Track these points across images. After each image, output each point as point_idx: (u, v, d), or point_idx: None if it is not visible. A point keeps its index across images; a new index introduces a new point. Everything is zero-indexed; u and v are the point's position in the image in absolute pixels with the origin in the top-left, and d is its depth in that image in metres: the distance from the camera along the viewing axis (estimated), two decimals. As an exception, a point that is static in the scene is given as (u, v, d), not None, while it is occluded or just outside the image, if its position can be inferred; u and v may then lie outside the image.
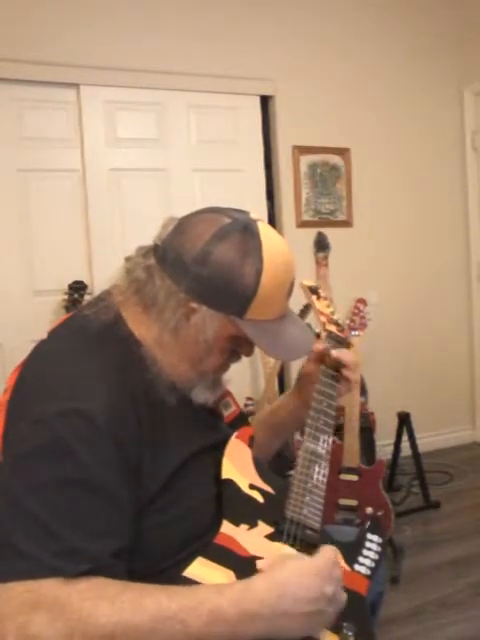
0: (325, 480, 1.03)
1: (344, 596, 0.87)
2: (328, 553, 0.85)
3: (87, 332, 0.94)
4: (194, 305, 0.91)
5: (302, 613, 0.80)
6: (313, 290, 1.28)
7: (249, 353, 1.02)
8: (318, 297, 1.27)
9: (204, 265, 0.89)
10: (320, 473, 1.03)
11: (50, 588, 0.75)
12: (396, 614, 2.07)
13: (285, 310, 0.99)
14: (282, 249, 0.96)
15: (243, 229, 0.92)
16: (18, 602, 0.74)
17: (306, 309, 2.63)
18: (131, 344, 0.94)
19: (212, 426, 1.07)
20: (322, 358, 1.17)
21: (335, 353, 1.14)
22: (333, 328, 1.21)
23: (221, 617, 0.77)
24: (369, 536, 1.05)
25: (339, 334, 1.20)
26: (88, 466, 0.81)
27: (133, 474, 0.86)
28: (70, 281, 2.79)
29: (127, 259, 1.00)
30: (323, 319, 1.22)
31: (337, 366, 1.16)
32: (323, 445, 1.06)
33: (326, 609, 0.83)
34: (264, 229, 0.95)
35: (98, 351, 0.92)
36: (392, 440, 2.97)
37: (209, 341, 0.94)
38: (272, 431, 1.26)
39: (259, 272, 0.90)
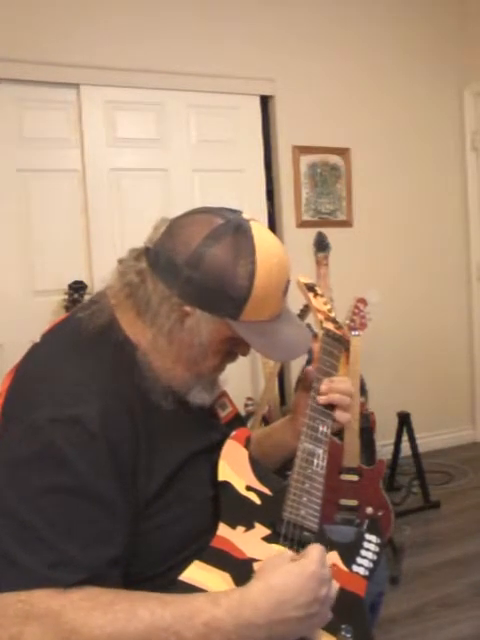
0: (322, 481, 1.02)
1: (334, 593, 0.86)
2: (317, 553, 0.84)
3: (81, 335, 0.93)
4: (188, 309, 0.90)
5: (298, 617, 0.80)
6: (310, 287, 1.26)
7: (246, 353, 1.01)
8: (315, 294, 1.25)
9: (196, 268, 0.88)
10: (318, 474, 1.03)
11: (43, 599, 0.74)
12: (396, 614, 2.07)
13: (281, 310, 0.97)
14: (276, 249, 0.94)
15: (235, 230, 0.90)
16: (11, 613, 0.74)
17: (306, 309, 2.63)
18: (126, 348, 0.94)
19: (209, 427, 1.06)
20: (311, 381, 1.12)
21: (323, 399, 1.08)
22: (330, 326, 1.19)
23: (217, 628, 0.76)
24: (367, 537, 1.04)
25: (336, 332, 1.18)
26: (82, 473, 0.80)
27: (129, 479, 0.86)
28: (70, 281, 2.79)
29: (120, 261, 0.99)
30: (320, 316, 1.21)
31: (332, 368, 1.14)
32: (320, 446, 1.05)
33: (320, 610, 0.82)
34: (257, 229, 0.93)
35: (92, 355, 0.91)
36: (392, 440, 2.97)
37: (204, 344, 0.93)
38: (265, 454, 1.20)
39: (252, 273, 0.89)
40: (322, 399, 1.07)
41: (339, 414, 1.08)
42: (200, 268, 0.88)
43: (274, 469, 1.21)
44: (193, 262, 0.88)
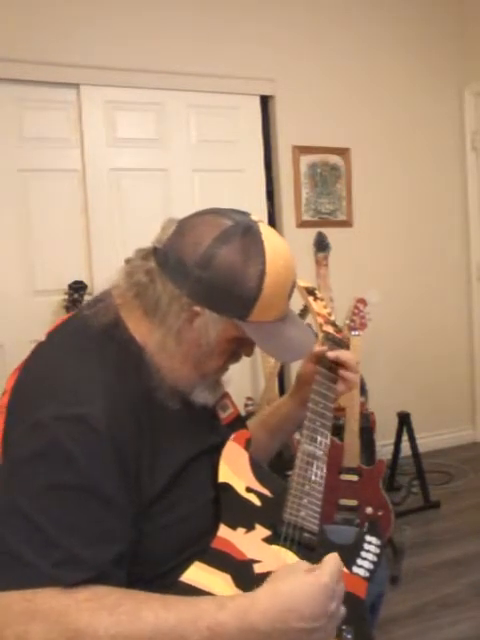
0: (323, 482, 1.03)
1: (343, 612, 0.83)
2: (333, 566, 0.81)
3: (86, 334, 0.93)
4: (197, 309, 0.91)
5: (302, 630, 0.77)
6: (310, 291, 1.27)
7: (250, 354, 1.02)
8: (315, 298, 1.26)
9: (207, 268, 0.89)
10: (318, 475, 1.03)
11: (48, 598, 0.74)
12: (396, 614, 2.07)
13: (286, 311, 0.99)
14: (283, 251, 0.95)
15: (245, 231, 0.91)
16: (16, 611, 0.73)
17: (305, 310, 2.63)
18: (131, 347, 0.94)
19: (211, 428, 1.06)
20: (319, 358, 1.17)
21: (333, 354, 1.15)
22: (330, 329, 1.21)
23: (221, 632, 0.75)
24: (368, 538, 1.05)
25: (336, 335, 1.20)
26: (87, 472, 0.80)
27: (132, 478, 0.86)
28: (70, 281, 2.79)
29: (127, 261, 0.99)
30: (320, 320, 1.22)
31: (333, 367, 1.17)
32: (320, 447, 1.06)
33: (326, 626, 0.79)
34: (265, 231, 0.94)
35: (97, 354, 0.91)
36: (392, 440, 2.97)
37: (211, 344, 0.93)
38: (271, 431, 1.26)
39: (262, 274, 0.90)
40: (331, 354, 1.16)
41: (345, 373, 1.16)
42: (210, 269, 0.89)
43: (281, 445, 1.27)
44: (203, 263, 0.89)
